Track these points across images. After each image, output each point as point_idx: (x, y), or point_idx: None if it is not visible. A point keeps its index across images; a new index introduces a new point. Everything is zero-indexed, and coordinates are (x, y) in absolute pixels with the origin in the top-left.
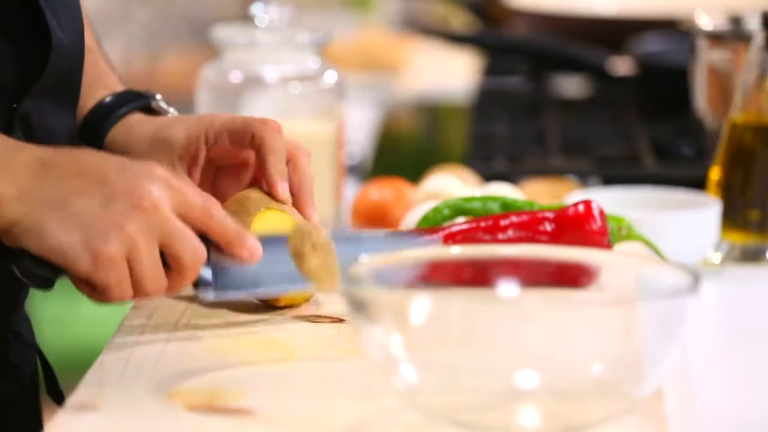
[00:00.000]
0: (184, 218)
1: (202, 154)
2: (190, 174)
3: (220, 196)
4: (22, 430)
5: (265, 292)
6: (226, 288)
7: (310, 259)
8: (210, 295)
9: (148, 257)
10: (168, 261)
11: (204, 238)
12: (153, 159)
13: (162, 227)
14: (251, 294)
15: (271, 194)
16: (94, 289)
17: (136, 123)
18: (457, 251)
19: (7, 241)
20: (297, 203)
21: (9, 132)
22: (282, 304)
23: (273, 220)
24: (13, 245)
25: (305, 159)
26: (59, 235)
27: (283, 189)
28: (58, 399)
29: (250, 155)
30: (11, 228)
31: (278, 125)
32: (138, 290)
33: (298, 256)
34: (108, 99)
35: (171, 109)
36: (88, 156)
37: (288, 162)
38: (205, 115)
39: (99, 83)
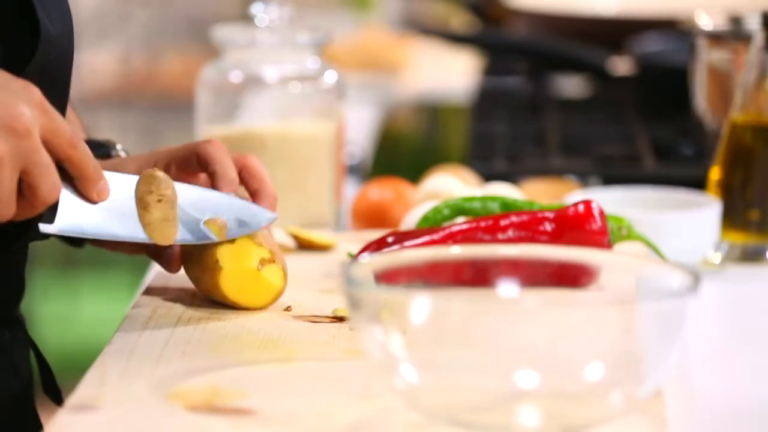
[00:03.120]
0: (50, 144)
1: None
2: None
3: None
4: (21, 430)
5: (103, 237)
6: (68, 225)
7: (153, 211)
8: (50, 229)
9: (8, 182)
10: (23, 189)
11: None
12: None
13: (29, 155)
14: (89, 236)
15: None
16: None
17: None
18: (457, 251)
19: None
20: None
21: None
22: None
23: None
24: None
25: (255, 162)
26: None
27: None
28: (56, 397)
29: (201, 179)
30: None
31: (222, 144)
32: None
33: (142, 205)
34: None
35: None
36: None
37: (241, 172)
38: (152, 151)
39: None
